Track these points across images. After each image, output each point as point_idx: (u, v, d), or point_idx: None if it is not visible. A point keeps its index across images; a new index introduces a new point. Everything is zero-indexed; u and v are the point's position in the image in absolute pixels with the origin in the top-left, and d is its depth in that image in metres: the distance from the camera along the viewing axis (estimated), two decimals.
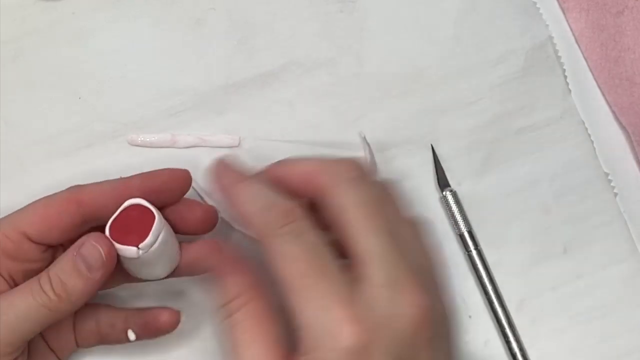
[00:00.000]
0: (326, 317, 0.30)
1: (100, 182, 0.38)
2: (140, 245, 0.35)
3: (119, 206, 0.36)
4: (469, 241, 0.43)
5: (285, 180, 0.34)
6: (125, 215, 0.36)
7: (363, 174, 0.33)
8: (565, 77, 0.46)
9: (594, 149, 0.46)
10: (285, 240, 0.31)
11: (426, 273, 0.34)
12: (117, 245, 0.35)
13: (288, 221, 0.31)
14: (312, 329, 0.30)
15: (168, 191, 0.38)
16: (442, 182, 0.44)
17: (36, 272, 0.37)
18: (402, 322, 0.30)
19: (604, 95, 0.47)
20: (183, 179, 0.38)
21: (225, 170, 0.35)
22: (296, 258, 0.31)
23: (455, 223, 0.44)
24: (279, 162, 0.36)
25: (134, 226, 0.36)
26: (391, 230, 0.32)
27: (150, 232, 0.36)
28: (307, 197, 0.34)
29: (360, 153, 0.45)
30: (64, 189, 0.42)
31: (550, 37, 0.47)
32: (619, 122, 0.46)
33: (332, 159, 0.34)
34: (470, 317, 0.43)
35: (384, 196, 0.34)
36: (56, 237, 0.37)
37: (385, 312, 0.30)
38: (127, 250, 0.35)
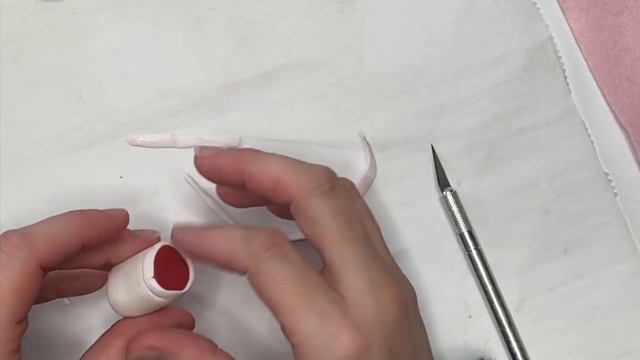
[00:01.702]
0: (324, 330, 0.31)
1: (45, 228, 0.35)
2: (187, 284, 0.36)
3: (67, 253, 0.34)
4: (469, 241, 0.43)
5: (252, 180, 0.35)
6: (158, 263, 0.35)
7: (333, 185, 0.34)
8: (565, 77, 0.46)
9: (594, 149, 0.46)
10: (273, 264, 0.32)
11: (391, 263, 0.36)
12: (170, 292, 0.35)
13: (270, 246, 0.32)
14: (312, 344, 0.31)
15: (105, 235, 0.36)
16: (442, 182, 0.44)
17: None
18: (388, 317, 0.33)
19: (603, 95, 0.47)
20: (119, 220, 0.37)
21: (186, 230, 0.35)
22: (286, 279, 0.32)
23: (455, 223, 0.44)
24: (247, 155, 0.35)
25: (168, 269, 0.36)
26: (361, 235, 0.34)
27: (190, 270, 0.36)
28: (274, 199, 0.34)
29: (360, 153, 0.45)
30: (63, 189, 0.43)
31: (550, 37, 0.47)
32: (619, 122, 0.46)
33: (302, 164, 0.35)
34: (470, 317, 0.44)
35: (352, 204, 0.35)
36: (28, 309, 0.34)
37: (373, 312, 0.32)
38: (178, 294, 0.35)
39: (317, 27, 0.46)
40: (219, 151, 0.36)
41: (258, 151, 0.36)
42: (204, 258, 0.34)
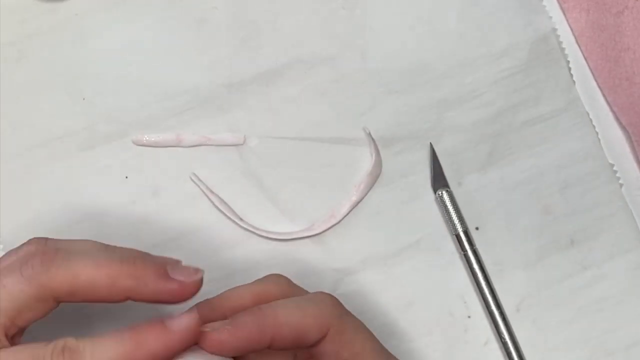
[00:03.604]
0: None
1: None
2: None
3: None
4: (464, 242, 0.43)
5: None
6: None
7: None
8: (570, 68, 0.46)
9: (599, 140, 0.46)
10: (352, 316, 0.35)
11: None
12: None
13: (340, 303, 0.35)
14: None
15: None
16: (437, 182, 0.44)
17: None
18: None
19: (604, 95, 0.47)
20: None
21: (237, 320, 0.32)
22: (365, 329, 0.36)
23: (451, 223, 0.43)
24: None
25: None
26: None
27: None
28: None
29: (365, 149, 0.45)
30: (68, 190, 0.42)
31: (554, 29, 0.47)
32: (619, 122, 0.46)
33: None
34: (469, 317, 0.43)
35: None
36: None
37: None
38: None
39: (320, 23, 0.46)
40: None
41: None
42: (270, 337, 0.32)
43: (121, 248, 0.33)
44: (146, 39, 0.45)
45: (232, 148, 0.45)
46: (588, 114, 0.46)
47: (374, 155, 0.44)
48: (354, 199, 0.44)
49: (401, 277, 0.44)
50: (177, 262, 0.34)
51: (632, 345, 0.43)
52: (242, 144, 0.45)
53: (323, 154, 0.45)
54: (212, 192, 0.44)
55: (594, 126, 0.46)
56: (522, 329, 0.43)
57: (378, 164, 0.44)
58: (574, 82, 0.46)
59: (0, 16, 0.45)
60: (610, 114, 0.47)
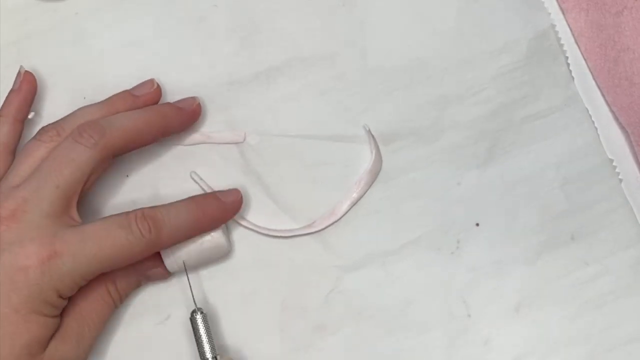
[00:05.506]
0: None
1: None
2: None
3: None
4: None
5: None
6: None
7: None
8: (568, 64, 0.46)
9: (598, 135, 0.46)
10: None
11: None
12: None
13: None
14: None
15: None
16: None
17: None
18: None
19: (603, 95, 0.47)
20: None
21: None
22: None
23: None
24: None
25: None
26: None
27: None
28: None
29: (365, 146, 0.45)
30: None
31: (552, 26, 0.47)
32: (618, 122, 0.46)
33: None
34: (469, 316, 0.43)
35: None
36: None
37: None
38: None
39: (320, 21, 0.46)
40: None
41: None
42: None
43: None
44: (146, 39, 0.46)
45: (233, 146, 0.45)
46: (587, 109, 0.46)
47: (374, 152, 0.44)
48: (355, 196, 0.44)
49: (401, 275, 0.44)
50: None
51: (633, 340, 0.43)
52: (242, 142, 0.45)
53: (323, 152, 0.45)
54: (212, 190, 0.44)
55: (593, 122, 0.46)
56: (523, 325, 0.43)
57: (378, 161, 0.44)
58: (572, 78, 0.46)
59: (0, 16, 0.45)
60: (609, 110, 0.47)
